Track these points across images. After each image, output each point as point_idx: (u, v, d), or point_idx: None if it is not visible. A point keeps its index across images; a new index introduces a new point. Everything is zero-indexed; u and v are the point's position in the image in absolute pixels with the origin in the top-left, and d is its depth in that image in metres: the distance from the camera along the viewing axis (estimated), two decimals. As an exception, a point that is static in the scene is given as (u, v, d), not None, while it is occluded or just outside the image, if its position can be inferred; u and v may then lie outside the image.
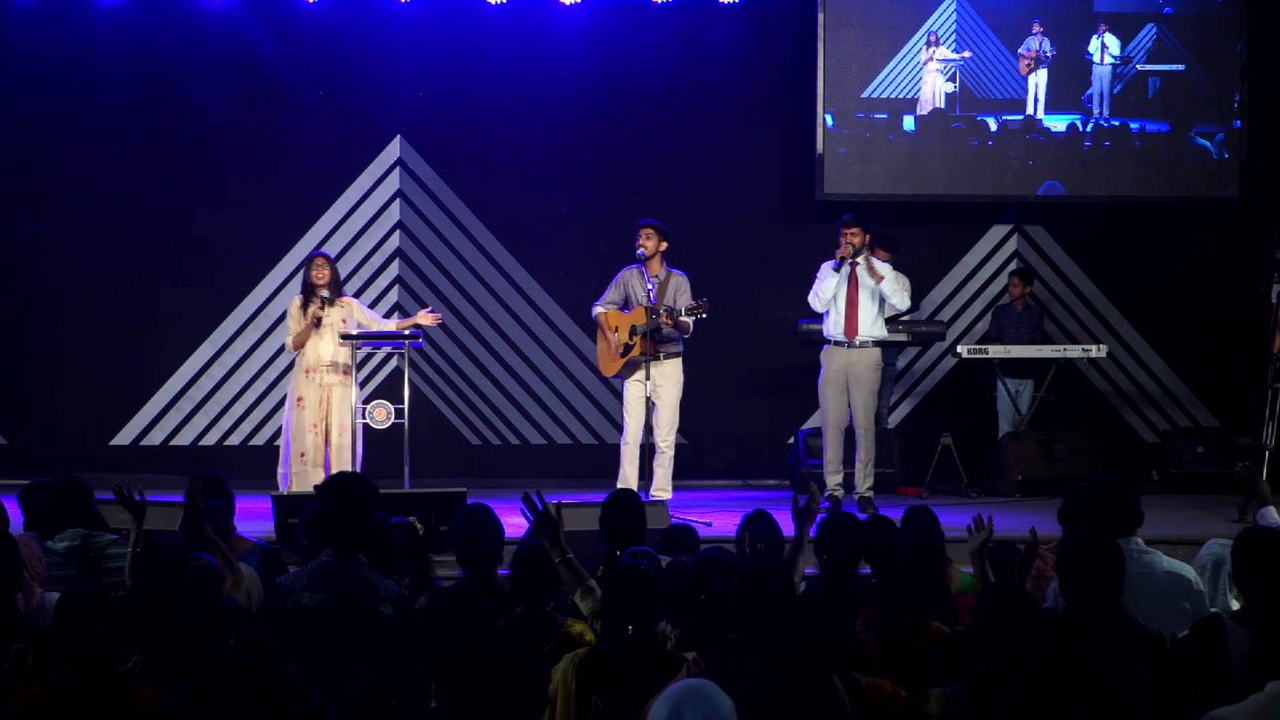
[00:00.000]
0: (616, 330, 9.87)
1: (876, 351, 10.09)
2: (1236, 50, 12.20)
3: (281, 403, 10.87)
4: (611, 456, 10.12)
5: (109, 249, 11.81)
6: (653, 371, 9.73)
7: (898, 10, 12.10)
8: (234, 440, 11.95)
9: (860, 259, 9.97)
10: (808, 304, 10.17)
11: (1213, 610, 5.56)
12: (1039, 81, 12.15)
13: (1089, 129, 12.20)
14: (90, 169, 11.80)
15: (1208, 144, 12.26)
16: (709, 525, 8.82)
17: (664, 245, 9.84)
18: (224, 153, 11.86)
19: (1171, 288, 12.39)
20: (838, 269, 9.91)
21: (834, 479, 10.05)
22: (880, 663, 4.82)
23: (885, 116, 12.10)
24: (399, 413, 10.10)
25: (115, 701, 4.40)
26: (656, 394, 9.74)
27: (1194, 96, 12.24)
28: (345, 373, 9.78)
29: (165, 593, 5.00)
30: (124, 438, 11.87)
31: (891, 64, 12.07)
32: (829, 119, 12.01)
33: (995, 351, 11.57)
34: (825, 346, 10.13)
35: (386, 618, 4.87)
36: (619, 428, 10.11)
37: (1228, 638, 4.71)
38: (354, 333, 9.98)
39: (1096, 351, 11.68)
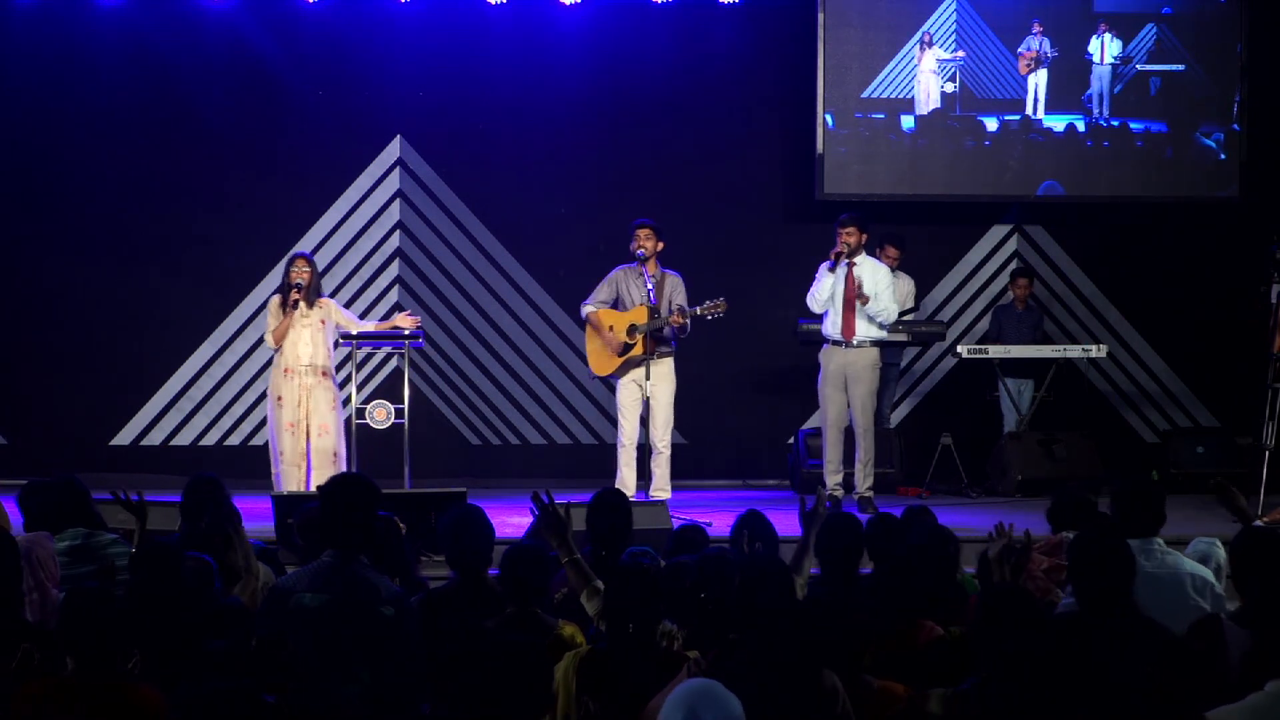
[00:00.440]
0: (612, 329, 9.87)
1: (875, 351, 10.09)
2: (1236, 50, 12.20)
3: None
4: (612, 456, 10.12)
5: (109, 249, 11.81)
6: (649, 370, 9.73)
7: (897, 10, 12.10)
8: (234, 440, 11.95)
9: (858, 260, 9.96)
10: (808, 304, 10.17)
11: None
12: (1039, 81, 12.16)
13: (1089, 129, 12.20)
14: (90, 169, 11.80)
15: (1208, 144, 12.26)
16: (709, 525, 8.79)
17: (660, 245, 9.85)
18: (224, 153, 11.86)
19: (1171, 288, 12.39)
20: (832, 269, 9.90)
21: (834, 479, 10.05)
22: (874, 663, 4.81)
23: (885, 116, 12.10)
24: (399, 413, 10.11)
25: (120, 701, 4.40)
26: (652, 393, 9.74)
27: (1194, 96, 12.24)
28: (324, 374, 9.73)
29: (162, 592, 5.00)
30: (124, 438, 11.87)
31: (891, 64, 12.07)
32: (829, 119, 12.02)
33: (995, 351, 11.57)
34: (824, 346, 10.13)
35: (387, 619, 4.87)
36: (618, 428, 10.10)
37: (1225, 637, 4.71)
38: (353, 333, 10.00)
39: (1096, 351, 11.68)
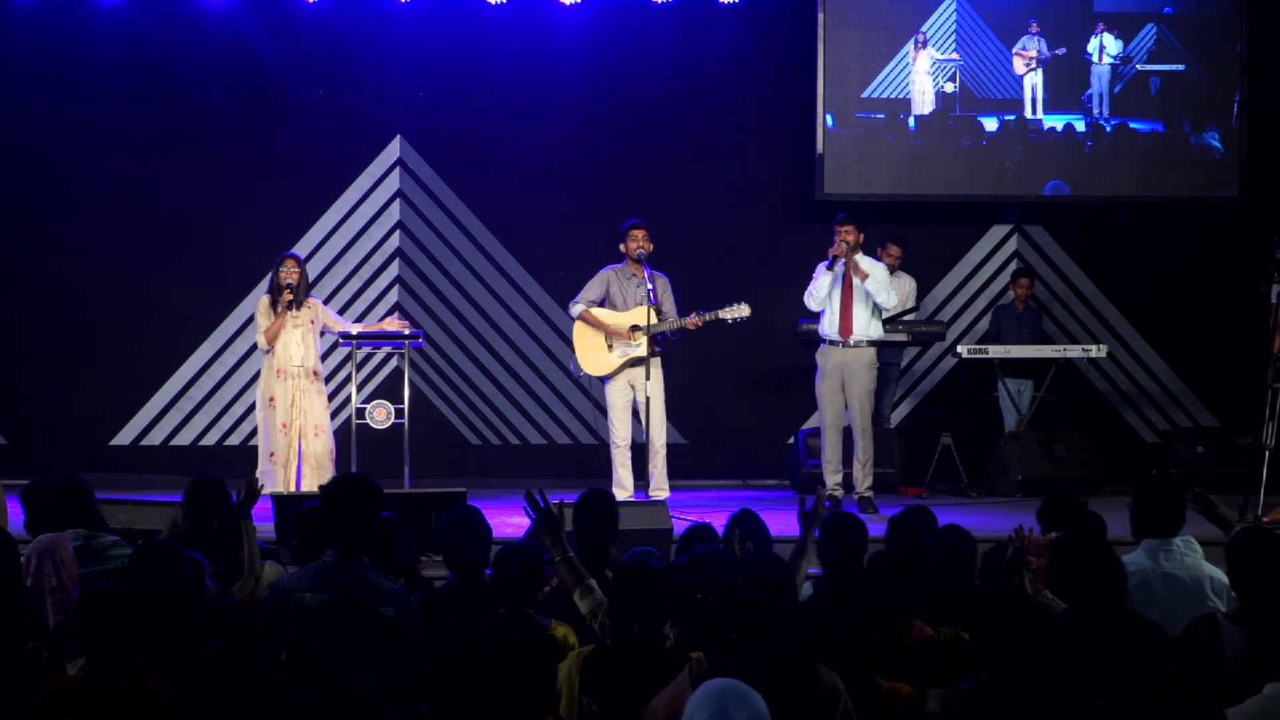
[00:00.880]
0: (613, 330, 9.86)
1: (872, 351, 10.09)
2: (1236, 50, 12.20)
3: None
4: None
5: (109, 249, 11.81)
6: (643, 371, 9.74)
7: (898, 10, 12.11)
8: (234, 440, 11.95)
9: (857, 258, 9.96)
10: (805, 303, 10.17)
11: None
12: (1035, 82, 12.16)
13: (1089, 129, 12.20)
14: (90, 169, 11.80)
15: (1208, 144, 12.26)
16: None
17: (652, 247, 9.89)
18: (224, 153, 11.86)
19: (1171, 288, 12.39)
20: (830, 268, 9.90)
21: (833, 478, 10.05)
22: (861, 662, 4.81)
23: (885, 116, 12.10)
24: (399, 413, 10.11)
25: (136, 700, 4.41)
26: (649, 393, 9.74)
27: (1194, 96, 12.24)
28: (315, 375, 9.82)
29: (159, 592, 5.00)
30: (124, 438, 11.87)
31: (891, 64, 12.07)
32: (829, 119, 12.02)
33: (995, 351, 11.57)
34: (821, 346, 10.13)
35: (388, 619, 4.87)
36: (610, 428, 10.09)
37: (1222, 637, 4.71)
38: (352, 333, 10.03)
39: (1096, 351, 11.68)
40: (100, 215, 11.82)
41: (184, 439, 11.93)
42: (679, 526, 8.25)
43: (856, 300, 9.95)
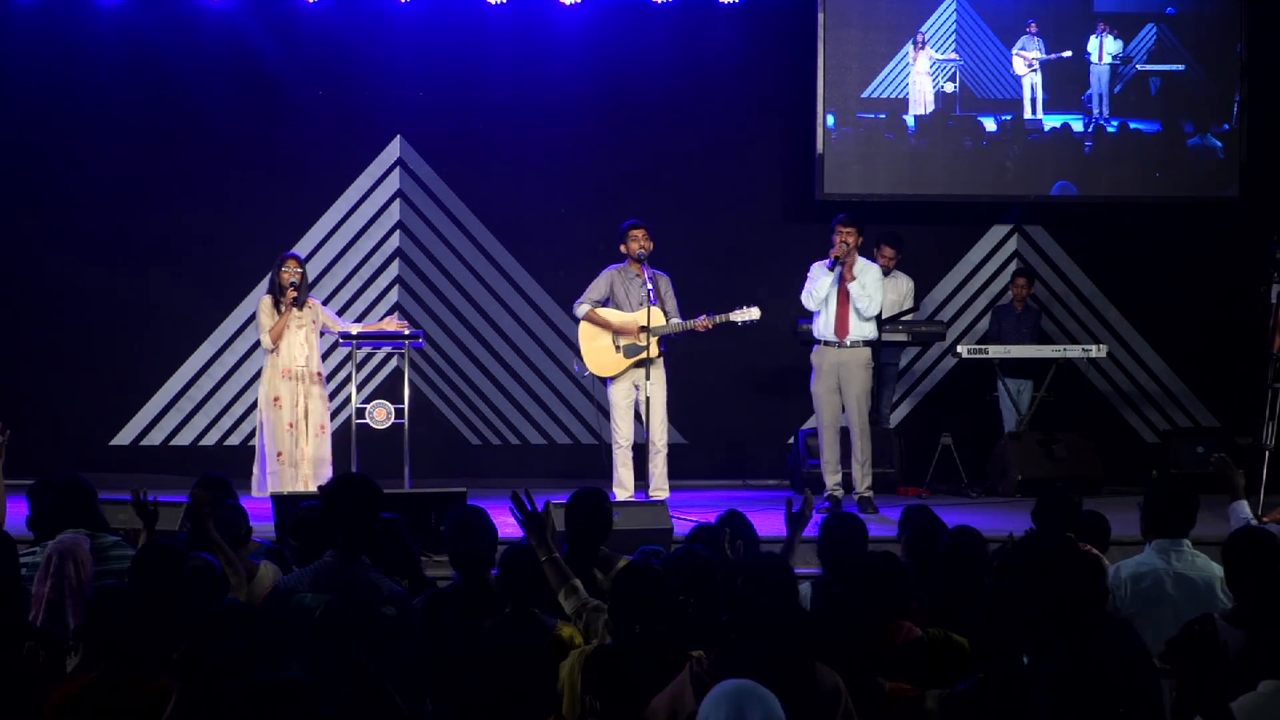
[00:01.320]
0: (619, 331, 9.87)
1: (867, 351, 10.08)
2: (1236, 50, 12.20)
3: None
4: (612, 456, 10.11)
5: (109, 249, 11.80)
6: (648, 372, 9.75)
7: (897, 10, 12.11)
8: (234, 440, 11.95)
9: (846, 260, 9.96)
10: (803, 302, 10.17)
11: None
12: (1035, 82, 12.16)
13: (1089, 129, 12.20)
14: (90, 169, 11.80)
15: (1208, 144, 12.26)
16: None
17: (652, 246, 9.90)
18: (224, 153, 11.86)
19: (1171, 288, 12.39)
20: (831, 268, 9.90)
21: (832, 479, 10.04)
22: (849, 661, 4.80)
23: (885, 116, 12.10)
24: (399, 413, 10.12)
25: (151, 700, 4.41)
26: (650, 393, 9.75)
27: (1194, 96, 12.24)
28: (319, 375, 9.92)
29: (164, 593, 5.00)
30: (124, 438, 11.87)
31: (891, 64, 12.07)
32: (829, 119, 12.02)
33: (995, 351, 11.57)
34: (815, 347, 10.12)
35: (389, 619, 4.87)
36: (612, 428, 10.09)
37: (1219, 636, 4.71)
38: (352, 333, 10.04)
39: (1096, 351, 11.68)
40: (100, 215, 11.82)
41: (184, 439, 11.93)
42: (679, 526, 8.26)
43: (852, 302, 9.93)
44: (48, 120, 11.76)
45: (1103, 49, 12.18)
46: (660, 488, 9.79)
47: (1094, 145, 12.20)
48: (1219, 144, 12.24)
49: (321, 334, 10.04)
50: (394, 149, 12.09)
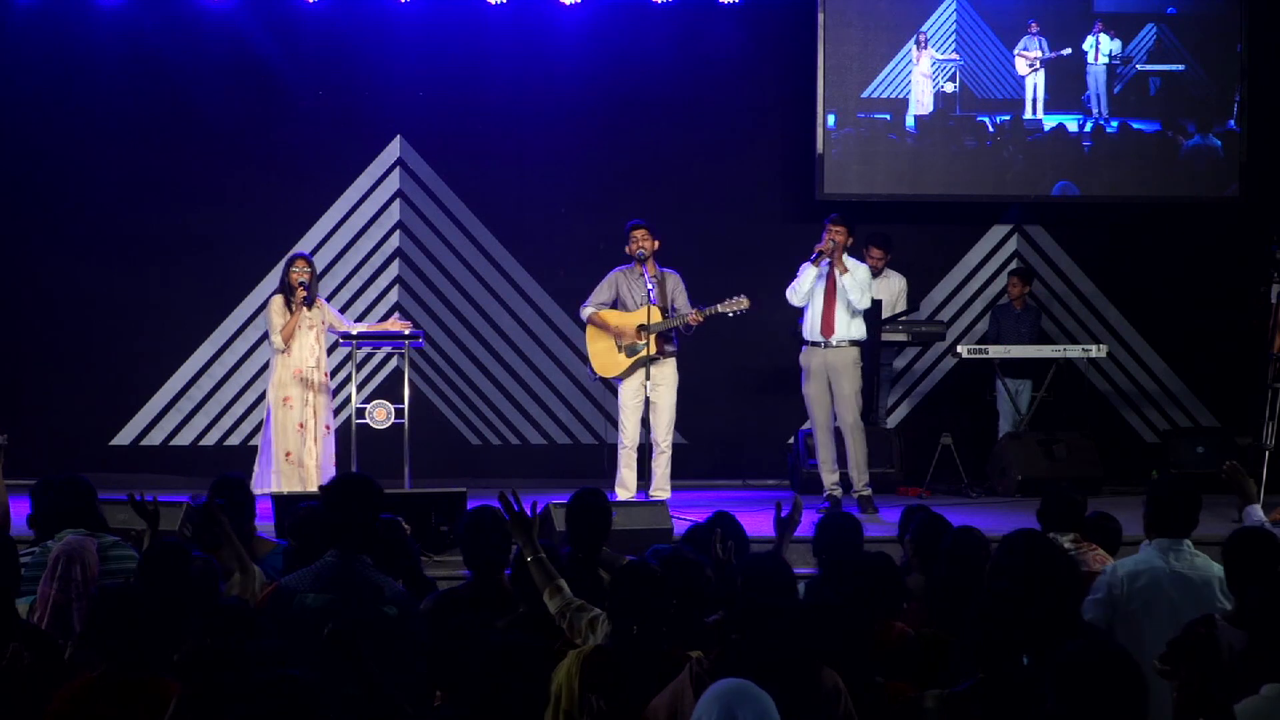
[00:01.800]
0: (619, 330, 9.88)
1: (855, 350, 10.06)
2: (1236, 50, 12.19)
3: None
4: (612, 456, 10.13)
5: (109, 249, 11.80)
6: (653, 371, 9.75)
7: (898, 10, 12.11)
8: (234, 440, 11.95)
9: (831, 255, 9.95)
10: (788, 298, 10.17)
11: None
12: (1037, 82, 12.16)
13: (1089, 129, 12.20)
14: (90, 169, 11.80)
15: (1208, 144, 12.26)
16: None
17: (656, 244, 9.89)
18: (224, 153, 11.87)
19: (1171, 288, 12.39)
20: (815, 263, 9.89)
21: (830, 478, 10.04)
22: (839, 660, 4.80)
23: (885, 116, 12.10)
24: (399, 413, 10.12)
25: (152, 699, 4.41)
26: (655, 393, 9.76)
27: (1194, 96, 12.24)
28: (327, 376, 9.96)
29: (172, 593, 5.00)
30: (124, 438, 11.88)
31: (891, 64, 12.07)
32: (829, 119, 12.02)
33: (995, 352, 11.57)
34: (803, 348, 10.11)
35: (391, 619, 4.87)
36: (619, 428, 10.11)
37: (1220, 637, 4.71)
38: (353, 333, 10.05)
39: (1096, 351, 11.68)
40: (100, 215, 11.82)
41: (184, 439, 11.94)
42: (679, 527, 8.26)
43: (839, 300, 9.92)
44: (48, 120, 11.76)
45: (1099, 49, 12.18)
46: (661, 488, 9.79)
47: (1094, 145, 12.20)
48: (1219, 144, 12.24)
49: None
50: (394, 149, 12.09)
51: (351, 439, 10.09)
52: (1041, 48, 12.14)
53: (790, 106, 12.21)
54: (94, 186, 11.81)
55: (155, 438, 11.90)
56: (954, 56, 12.10)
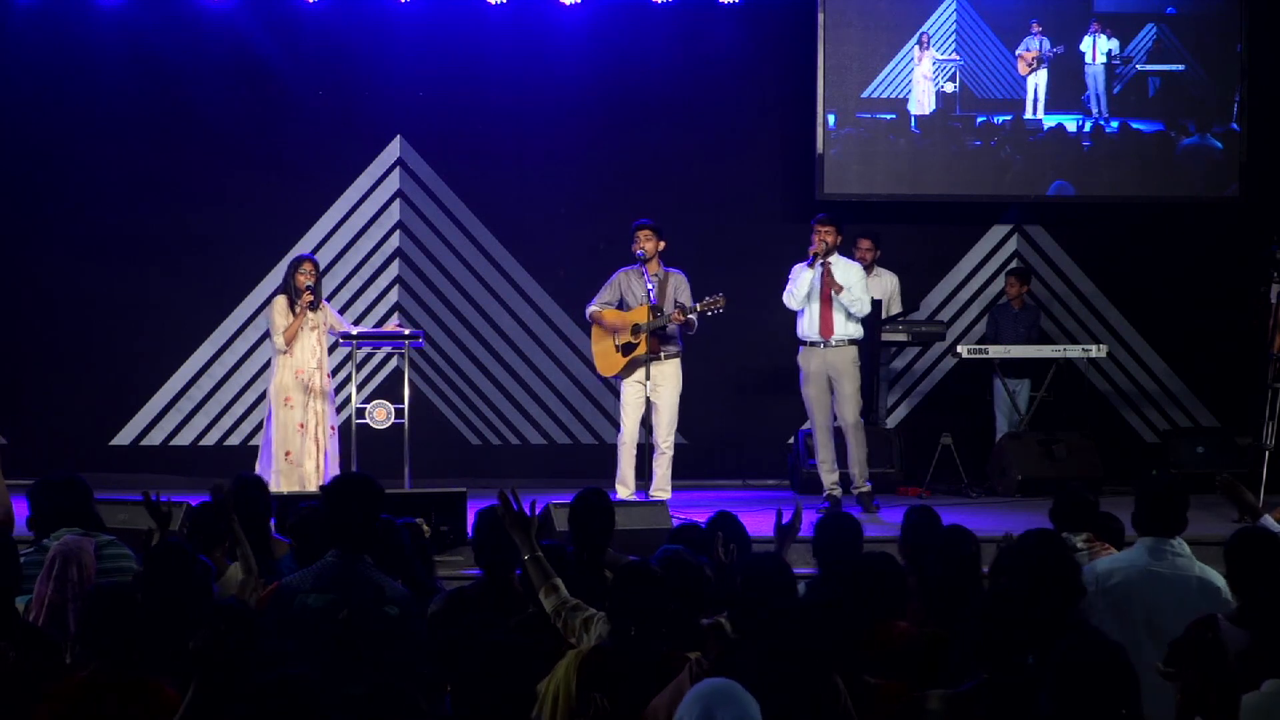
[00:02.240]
0: (616, 329, 9.89)
1: (854, 350, 10.08)
2: (1236, 50, 12.20)
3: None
4: (612, 456, 10.13)
5: (109, 249, 11.80)
6: (653, 371, 9.75)
7: (897, 10, 12.11)
8: (234, 440, 11.95)
9: (831, 259, 9.96)
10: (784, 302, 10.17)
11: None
12: (1038, 82, 12.16)
13: (1089, 129, 12.20)
14: (90, 169, 11.80)
15: (1208, 144, 12.26)
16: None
17: (661, 245, 9.88)
18: (224, 153, 11.86)
19: (1171, 288, 12.39)
20: (810, 265, 9.90)
21: (829, 478, 10.05)
22: (843, 660, 4.80)
23: (885, 116, 12.10)
24: (399, 413, 10.12)
25: (143, 699, 4.41)
26: (656, 393, 9.76)
27: (1194, 96, 12.24)
28: (329, 377, 9.98)
29: (176, 593, 5.00)
30: (124, 438, 11.87)
31: (891, 64, 12.07)
32: (829, 119, 12.02)
33: (995, 352, 11.57)
34: (800, 349, 10.11)
35: (392, 618, 4.87)
36: (619, 427, 10.11)
37: (1223, 637, 4.71)
38: (353, 333, 10.06)
39: (1096, 351, 11.68)
40: (100, 215, 11.82)
41: (184, 439, 11.93)
42: (676, 526, 8.26)
43: (835, 300, 9.93)
44: (48, 120, 11.76)
45: (1096, 49, 12.18)
46: (662, 488, 9.79)
47: (1094, 145, 12.20)
48: (1219, 144, 12.24)
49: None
50: (394, 149, 12.09)
51: (351, 439, 10.09)
52: (1043, 47, 12.14)
53: (790, 106, 12.21)
54: (94, 186, 11.81)
55: (155, 438, 11.90)
56: (954, 57, 12.10)
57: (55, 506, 6.06)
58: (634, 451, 9.90)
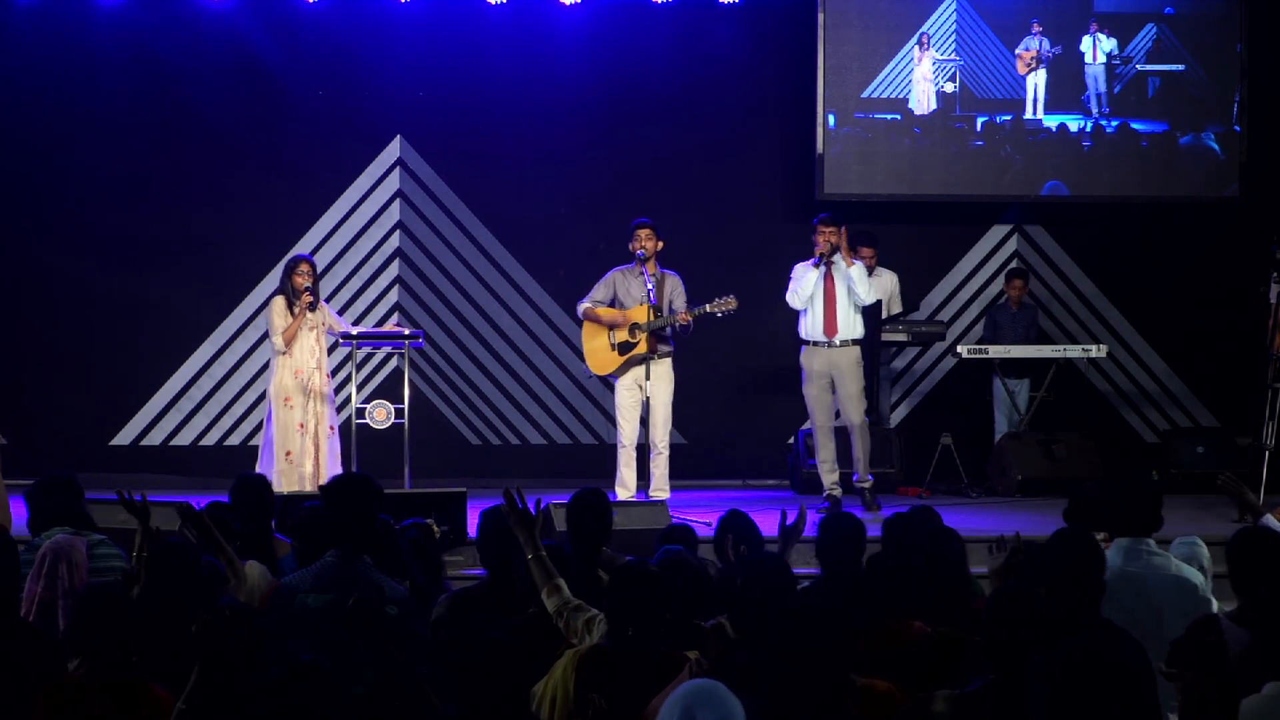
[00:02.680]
0: (613, 327, 9.88)
1: (857, 349, 10.10)
2: (1236, 50, 12.20)
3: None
4: (612, 456, 10.12)
5: (109, 249, 11.80)
6: (649, 370, 9.74)
7: (898, 10, 12.11)
8: (234, 440, 11.95)
9: (836, 258, 9.97)
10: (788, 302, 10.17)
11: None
12: (1038, 82, 12.16)
13: (1089, 129, 12.21)
14: (90, 169, 11.80)
15: (1208, 144, 12.26)
16: (709, 525, 8.80)
17: (660, 245, 9.88)
18: (224, 153, 11.86)
19: (1171, 288, 12.39)
20: (816, 265, 9.91)
21: (830, 478, 10.05)
22: (858, 661, 4.80)
23: (885, 116, 12.10)
24: (399, 413, 10.12)
25: (135, 700, 4.41)
26: (652, 393, 9.75)
27: (1194, 96, 12.24)
28: (329, 377, 9.98)
29: (172, 593, 5.00)
30: (124, 438, 11.87)
31: (891, 64, 12.07)
32: (829, 119, 12.02)
33: (995, 352, 11.57)
34: (803, 349, 10.11)
35: (392, 618, 4.87)
36: (617, 429, 10.10)
37: (1224, 637, 4.71)
38: (353, 333, 10.06)
39: (1096, 351, 11.68)
40: (100, 215, 11.81)
41: (184, 439, 11.93)
42: (667, 527, 8.25)
43: (840, 299, 9.94)
44: (48, 120, 11.75)
45: (1096, 49, 12.18)
46: (661, 488, 9.79)
47: (1094, 145, 12.20)
48: (1219, 144, 12.24)
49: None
50: (394, 149, 12.09)
51: (351, 439, 10.09)
52: (1042, 47, 12.14)
53: (790, 106, 12.21)
54: (94, 186, 11.81)
55: (155, 438, 11.90)
56: (954, 57, 12.10)
57: (49, 506, 6.06)
58: (634, 453, 9.90)
